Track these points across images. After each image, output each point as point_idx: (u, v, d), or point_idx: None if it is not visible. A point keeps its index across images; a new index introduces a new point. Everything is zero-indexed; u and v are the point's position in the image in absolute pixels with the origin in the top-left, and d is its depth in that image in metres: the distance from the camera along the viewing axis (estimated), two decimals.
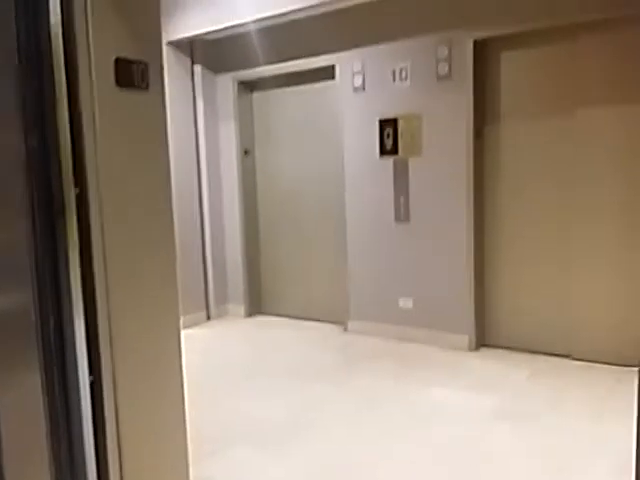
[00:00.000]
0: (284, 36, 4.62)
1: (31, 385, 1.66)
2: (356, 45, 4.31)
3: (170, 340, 1.94)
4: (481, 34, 3.76)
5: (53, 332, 1.66)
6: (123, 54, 1.71)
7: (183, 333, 4.66)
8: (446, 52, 3.90)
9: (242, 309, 5.19)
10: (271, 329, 4.81)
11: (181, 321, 4.77)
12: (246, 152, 5.11)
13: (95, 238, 1.67)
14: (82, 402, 1.73)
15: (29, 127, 1.59)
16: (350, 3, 4.08)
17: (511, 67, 3.80)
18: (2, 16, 1.51)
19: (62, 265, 1.66)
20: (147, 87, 1.80)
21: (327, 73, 4.53)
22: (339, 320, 4.72)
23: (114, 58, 1.69)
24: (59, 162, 1.64)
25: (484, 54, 3.87)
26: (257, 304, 5.27)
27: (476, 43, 3.81)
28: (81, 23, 1.62)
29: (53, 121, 1.63)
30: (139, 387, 1.84)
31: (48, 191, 1.62)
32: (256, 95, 5.09)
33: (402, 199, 4.22)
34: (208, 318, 5.16)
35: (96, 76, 1.65)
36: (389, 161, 4.25)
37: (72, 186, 1.63)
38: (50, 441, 1.70)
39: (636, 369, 3.42)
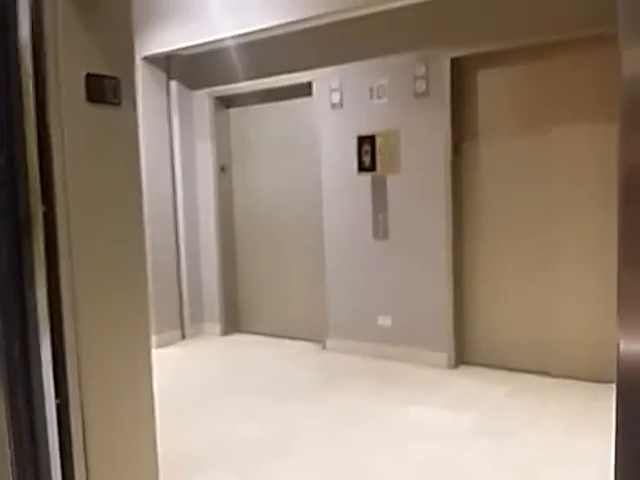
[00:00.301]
0: (261, 52, 4.61)
1: None
2: (333, 62, 4.32)
3: (140, 360, 1.89)
4: (458, 52, 3.80)
5: (18, 353, 1.60)
6: (94, 69, 1.67)
7: (157, 352, 4.56)
8: (423, 70, 3.92)
9: (218, 328, 5.11)
10: (248, 348, 4.74)
11: (155, 340, 4.68)
12: (223, 169, 5.07)
13: (63, 257, 1.61)
14: (48, 426, 1.67)
15: None
16: (327, 20, 4.09)
17: (488, 85, 3.84)
18: None
19: (28, 285, 1.61)
20: (119, 103, 1.76)
21: (305, 90, 4.53)
22: (318, 338, 4.67)
23: (85, 73, 1.65)
24: (26, 179, 1.59)
25: (461, 72, 3.90)
26: (234, 322, 5.20)
27: (453, 61, 3.84)
28: (51, 38, 1.59)
29: (21, 138, 1.58)
30: (108, 410, 1.78)
31: (14, 209, 1.57)
32: (233, 111, 5.07)
33: (380, 216, 4.21)
34: (183, 337, 5.07)
35: (66, 91, 1.62)
36: (367, 177, 4.24)
37: (39, 204, 1.59)
38: (16, 467, 1.64)
39: (613, 385, 3.42)
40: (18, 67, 1.59)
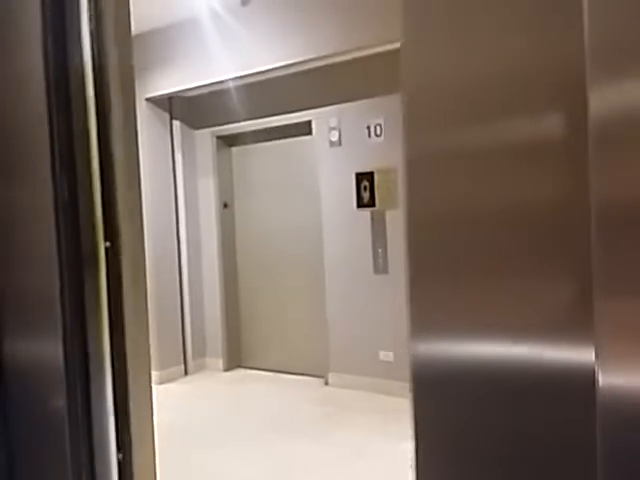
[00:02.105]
0: (262, 93, 4.73)
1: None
2: (332, 102, 4.43)
3: (142, 397, 1.87)
4: None
5: (80, 398, 1.51)
6: None
7: (160, 389, 4.56)
8: None
9: (221, 363, 5.11)
10: (250, 383, 4.74)
11: (157, 376, 4.68)
12: (225, 205, 5.15)
13: (127, 297, 1.57)
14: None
15: (58, 176, 1.50)
16: (325, 62, 4.21)
17: None
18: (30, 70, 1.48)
19: (91, 327, 1.55)
20: None
21: (304, 128, 4.64)
22: (320, 373, 4.67)
23: None
24: (90, 214, 1.55)
25: None
26: (236, 357, 5.20)
27: None
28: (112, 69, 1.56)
29: (86, 171, 1.54)
30: None
31: (77, 245, 1.54)
32: (235, 149, 5.17)
33: (380, 251, 4.26)
34: (185, 373, 5.06)
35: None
36: (366, 213, 4.31)
37: (102, 240, 1.56)
38: None
39: None
40: (83, 95, 1.52)
